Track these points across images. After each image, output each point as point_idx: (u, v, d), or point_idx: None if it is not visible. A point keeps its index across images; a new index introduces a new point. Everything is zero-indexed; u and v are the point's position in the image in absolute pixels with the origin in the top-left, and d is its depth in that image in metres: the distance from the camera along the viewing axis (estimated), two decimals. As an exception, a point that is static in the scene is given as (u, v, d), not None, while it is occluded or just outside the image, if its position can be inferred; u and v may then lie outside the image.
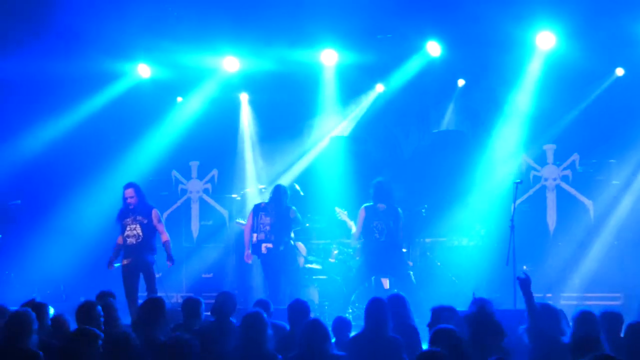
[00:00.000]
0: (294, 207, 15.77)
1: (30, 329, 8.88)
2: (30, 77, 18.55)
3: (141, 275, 14.99)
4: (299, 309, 10.25)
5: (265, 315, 9.22)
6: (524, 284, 9.29)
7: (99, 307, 10.17)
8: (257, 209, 15.89)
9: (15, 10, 17.09)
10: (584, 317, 9.16)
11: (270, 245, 15.58)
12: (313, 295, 16.46)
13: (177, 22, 17.35)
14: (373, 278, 15.77)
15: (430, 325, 9.03)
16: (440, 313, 9.23)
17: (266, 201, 16.00)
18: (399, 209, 15.73)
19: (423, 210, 17.74)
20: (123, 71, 19.36)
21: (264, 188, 19.00)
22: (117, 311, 10.93)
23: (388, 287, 15.25)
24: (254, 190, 19.79)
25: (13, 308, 10.47)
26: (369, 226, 15.49)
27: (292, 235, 15.82)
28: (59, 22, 17.17)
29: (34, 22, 17.30)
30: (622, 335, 9.16)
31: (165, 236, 15.07)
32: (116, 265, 15.18)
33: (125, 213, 15.10)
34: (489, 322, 8.29)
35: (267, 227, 15.64)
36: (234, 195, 20.13)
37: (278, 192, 15.77)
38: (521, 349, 9.08)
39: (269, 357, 8.89)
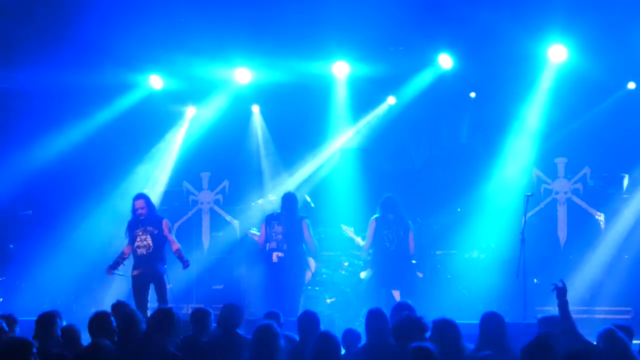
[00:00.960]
0: (307, 220, 15.76)
1: None
2: (43, 88, 18.65)
3: (152, 286, 15.03)
4: (309, 320, 10.25)
5: (277, 327, 9.24)
6: (561, 293, 9.88)
7: (112, 319, 10.18)
8: (270, 218, 15.88)
9: (30, 23, 17.16)
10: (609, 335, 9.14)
11: (281, 254, 15.55)
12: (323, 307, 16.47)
13: (189, 33, 17.37)
14: (384, 291, 15.78)
15: (431, 338, 9.01)
16: (441, 326, 9.18)
17: (278, 211, 16.00)
18: (409, 221, 15.75)
19: (434, 223, 17.73)
20: (135, 82, 19.41)
21: (275, 200, 19.01)
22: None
23: (399, 299, 15.23)
24: (265, 201, 19.80)
25: (23, 318, 10.52)
26: (380, 235, 15.51)
27: (304, 246, 15.80)
28: (73, 34, 17.21)
29: (48, 35, 17.36)
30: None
31: (175, 245, 15.11)
32: (116, 273, 15.24)
33: (135, 224, 15.16)
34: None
35: (279, 236, 15.61)
36: (252, 204, 20.12)
37: (288, 200, 15.76)
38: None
39: None
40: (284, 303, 15.11)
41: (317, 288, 16.99)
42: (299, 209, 15.82)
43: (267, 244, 15.68)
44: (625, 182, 18.33)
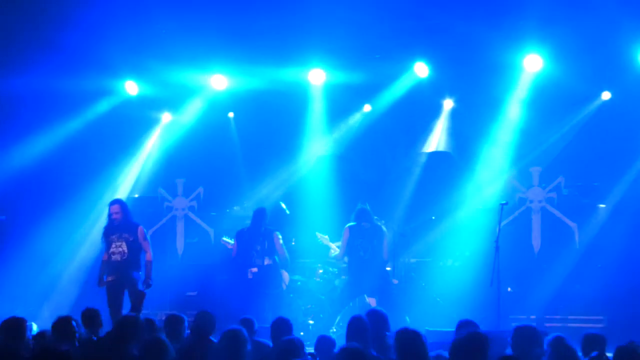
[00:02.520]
0: (278, 232, 15.83)
1: None
2: (16, 94, 18.52)
3: (126, 293, 14.97)
4: (282, 327, 10.26)
5: (245, 331, 9.23)
6: None
7: (73, 323, 10.16)
8: (240, 234, 15.97)
9: (5, 28, 17.10)
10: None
11: (255, 269, 15.66)
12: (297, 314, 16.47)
13: (166, 39, 17.34)
14: (357, 298, 15.79)
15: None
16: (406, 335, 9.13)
17: (248, 224, 16.10)
18: (383, 227, 15.77)
19: (408, 231, 17.74)
20: (110, 88, 19.34)
21: (250, 206, 18.99)
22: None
23: (375, 305, 15.23)
24: (240, 209, 19.78)
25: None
26: (354, 244, 15.55)
27: (277, 259, 15.85)
28: (47, 39, 17.17)
29: (22, 40, 17.30)
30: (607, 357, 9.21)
31: (149, 255, 15.06)
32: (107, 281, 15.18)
33: (110, 230, 15.11)
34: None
35: (252, 252, 15.70)
36: (227, 211, 20.10)
37: (257, 215, 15.90)
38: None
39: None
40: (263, 315, 15.15)
41: (291, 295, 16.97)
42: (269, 221, 15.92)
43: (240, 260, 15.77)
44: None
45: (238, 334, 9.13)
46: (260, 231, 15.75)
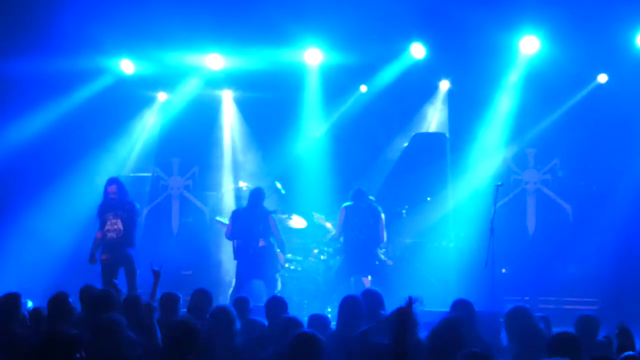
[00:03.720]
0: (273, 215, 15.83)
1: None
2: (12, 74, 18.48)
3: (121, 271, 14.98)
4: (277, 305, 10.28)
5: (233, 310, 9.26)
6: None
7: (70, 300, 10.19)
8: (236, 213, 15.95)
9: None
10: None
11: (249, 249, 15.66)
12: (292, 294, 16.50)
13: (161, 18, 17.29)
14: (353, 278, 15.83)
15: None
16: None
17: (244, 205, 16.08)
18: (379, 207, 15.78)
19: (403, 212, 17.74)
20: (106, 67, 19.29)
21: (246, 186, 18.98)
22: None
23: (369, 285, 15.26)
24: (234, 188, 19.77)
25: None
26: (350, 224, 15.55)
27: (272, 240, 15.84)
28: (42, 18, 17.14)
29: (16, 19, 17.25)
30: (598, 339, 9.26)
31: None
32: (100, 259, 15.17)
33: (106, 208, 15.12)
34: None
35: (247, 232, 15.68)
36: (214, 193, 20.12)
37: (255, 196, 15.85)
38: (499, 351, 9.12)
39: (236, 350, 8.92)
40: (258, 294, 15.19)
41: (286, 275, 16.99)
42: (265, 201, 15.91)
43: (235, 240, 15.75)
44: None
45: (226, 311, 9.17)
46: (256, 212, 15.72)
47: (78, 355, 7.17)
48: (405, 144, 19.82)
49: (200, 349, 7.97)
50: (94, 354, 7.95)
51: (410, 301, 7.36)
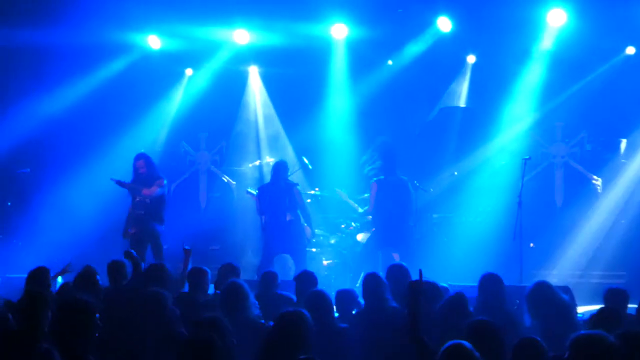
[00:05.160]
0: (298, 187, 15.83)
1: None
2: (41, 47, 18.57)
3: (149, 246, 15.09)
4: (306, 280, 10.30)
5: (245, 285, 9.31)
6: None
7: (98, 277, 10.32)
8: (262, 190, 15.94)
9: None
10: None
11: (277, 224, 15.63)
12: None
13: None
14: (380, 252, 15.84)
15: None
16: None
17: (268, 180, 16.10)
18: (409, 182, 15.78)
19: (431, 189, 17.69)
20: (133, 42, 19.32)
21: (273, 161, 19.01)
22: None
23: (398, 260, 15.24)
24: (262, 163, 19.80)
25: (16, 275, 10.56)
26: (381, 198, 15.55)
27: (299, 213, 15.85)
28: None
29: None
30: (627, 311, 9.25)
31: (146, 191, 15.13)
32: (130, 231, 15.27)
33: (135, 183, 15.20)
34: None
35: (274, 206, 15.67)
36: (242, 168, 20.14)
37: (278, 169, 15.81)
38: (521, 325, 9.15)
39: (251, 322, 9.05)
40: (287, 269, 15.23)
41: (313, 250, 17.02)
42: (290, 175, 15.89)
43: (263, 216, 15.74)
44: (623, 146, 18.34)
45: (237, 285, 9.23)
46: (280, 186, 15.71)
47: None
48: (433, 118, 19.77)
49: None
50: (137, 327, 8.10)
51: (421, 274, 7.49)
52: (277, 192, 15.66)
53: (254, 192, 16.48)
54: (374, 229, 16.09)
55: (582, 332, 6.80)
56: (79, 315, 7.12)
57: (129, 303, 9.29)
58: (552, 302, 9.09)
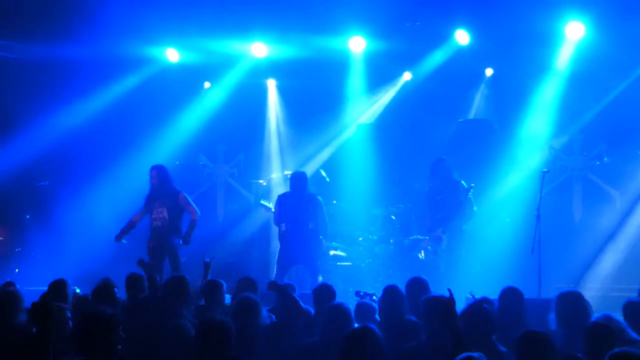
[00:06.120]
0: (319, 197, 15.79)
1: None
2: (60, 61, 18.67)
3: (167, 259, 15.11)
4: (324, 293, 10.26)
5: (256, 297, 9.32)
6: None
7: (116, 290, 10.33)
8: (282, 198, 15.88)
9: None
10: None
11: (298, 232, 15.59)
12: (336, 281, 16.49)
13: (206, 6, 17.37)
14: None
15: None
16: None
17: (288, 190, 16.07)
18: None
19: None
20: (152, 55, 19.42)
21: (290, 174, 19.03)
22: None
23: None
24: (280, 175, 19.81)
25: (36, 288, 10.60)
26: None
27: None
28: (89, 6, 17.25)
29: (64, 5, 17.38)
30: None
31: (194, 216, 15.17)
32: (123, 242, 15.30)
33: (152, 196, 15.25)
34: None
35: (292, 216, 15.64)
36: (260, 181, 20.16)
37: (297, 179, 15.76)
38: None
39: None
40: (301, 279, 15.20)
41: (330, 262, 16.99)
42: (310, 186, 15.85)
43: (283, 224, 15.69)
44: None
45: (248, 300, 9.25)
46: (304, 195, 15.64)
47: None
48: (451, 131, 19.75)
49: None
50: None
51: (451, 293, 7.65)
52: (299, 201, 15.54)
53: (268, 203, 16.46)
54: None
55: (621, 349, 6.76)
56: (103, 327, 7.14)
57: (149, 332, 9.26)
58: (581, 312, 9.07)
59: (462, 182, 15.74)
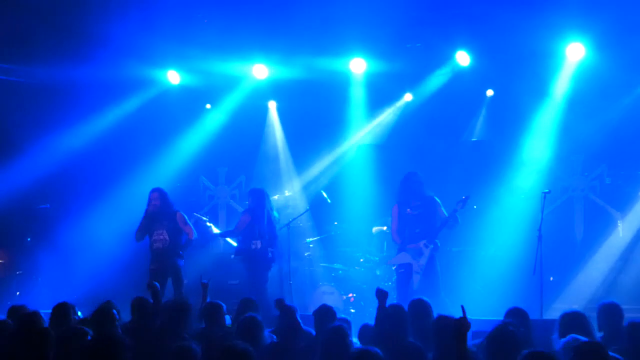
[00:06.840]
0: (275, 213, 15.89)
1: None
2: (61, 83, 18.70)
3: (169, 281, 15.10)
4: (325, 315, 10.26)
5: (259, 318, 9.33)
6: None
7: (114, 311, 10.31)
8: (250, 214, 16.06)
9: (48, 18, 17.24)
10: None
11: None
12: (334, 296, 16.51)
13: (207, 29, 17.42)
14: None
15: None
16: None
17: (290, 212, 16.15)
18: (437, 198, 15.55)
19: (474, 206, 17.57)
20: (153, 77, 19.45)
21: (291, 195, 19.05)
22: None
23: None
24: (280, 197, 19.80)
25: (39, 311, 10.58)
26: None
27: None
28: (90, 28, 17.30)
29: (66, 29, 17.44)
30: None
31: (190, 235, 15.23)
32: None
33: (152, 218, 15.25)
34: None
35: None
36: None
37: (252, 197, 15.92)
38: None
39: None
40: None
41: (332, 284, 16.98)
42: (311, 208, 15.92)
43: (252, 242, 15.78)
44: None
45: (252, 320, 9.27)
46: (259, 211, 15.90)
47: None
48: (452, 152, 19.75)
49: None
50: None
51: (464, 311, 7.56)
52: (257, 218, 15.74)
53: (204, 217, 16.62)
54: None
55: None
56: (112, 351, 7.15)
57: (153, 354, 9.26)
58: (585, 332, 9.07)
59: (435, 197, 15.54)
